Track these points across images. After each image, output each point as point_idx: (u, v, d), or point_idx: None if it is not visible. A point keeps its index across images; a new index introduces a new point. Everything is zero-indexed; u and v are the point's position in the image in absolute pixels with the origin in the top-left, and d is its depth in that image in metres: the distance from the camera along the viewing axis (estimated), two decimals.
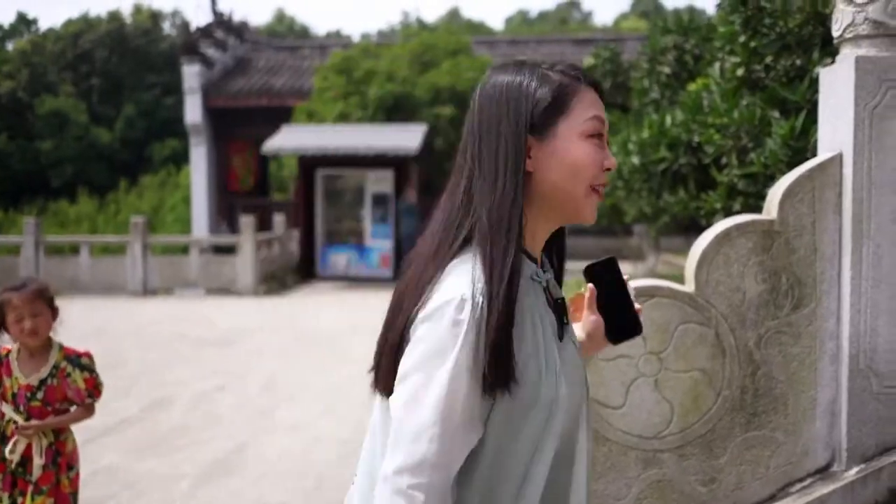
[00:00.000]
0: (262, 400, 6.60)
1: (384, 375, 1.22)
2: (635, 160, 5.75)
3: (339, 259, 15.68)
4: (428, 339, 1.13)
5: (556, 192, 1.21)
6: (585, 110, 1.20)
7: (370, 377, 1.27)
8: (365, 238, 15.63)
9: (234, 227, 17.73)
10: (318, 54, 21.52)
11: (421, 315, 1.15)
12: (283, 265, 15.52)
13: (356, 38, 31.01)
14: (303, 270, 15.71)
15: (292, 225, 16.49)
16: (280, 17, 43.40)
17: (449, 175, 1.25)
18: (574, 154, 1.19)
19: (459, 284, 1.14)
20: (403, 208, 15.01)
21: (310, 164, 15.71)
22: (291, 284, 14.97)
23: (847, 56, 2.57)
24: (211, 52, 19.81)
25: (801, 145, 3.54)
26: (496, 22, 67.11)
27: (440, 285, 1.15)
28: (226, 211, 19.83)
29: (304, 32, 39.86)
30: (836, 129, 2.65)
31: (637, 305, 1.39)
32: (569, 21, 44.19)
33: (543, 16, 45.81)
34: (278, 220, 16.07)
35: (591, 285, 1.37)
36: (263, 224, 15.71)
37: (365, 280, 15.02)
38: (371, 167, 15.34)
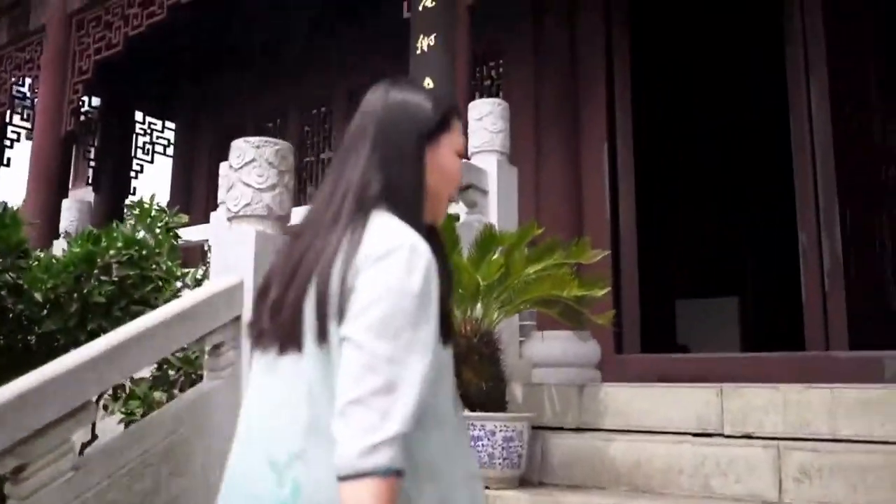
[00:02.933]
0: None
1: (292, 328, 1.24)
2: None
3: None
4: (385, 277, 1.18)
5: (433, 191, 1.38)
6: (459, 133, 1.45)
7: (269, 338, 1.29)
8: None
9: None
10: None
11: (365, 262, 1.20)
12: None
13: None
14: None
15: None
16: None
17: None
18: (451, 164, 1.42)
19: (399, 235, 1.23)
20: None
21: None
22: None
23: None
24: None
25: None
26: None
27: (371, 236, 1.23)
28: None
29: None
30: None
31: None
32: None
33: None
34: None
35: None
36: None
37: None
38: None
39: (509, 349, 3.87)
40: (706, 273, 8.55)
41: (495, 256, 3.16)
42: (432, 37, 5.14)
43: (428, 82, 5.10)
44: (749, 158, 8.30)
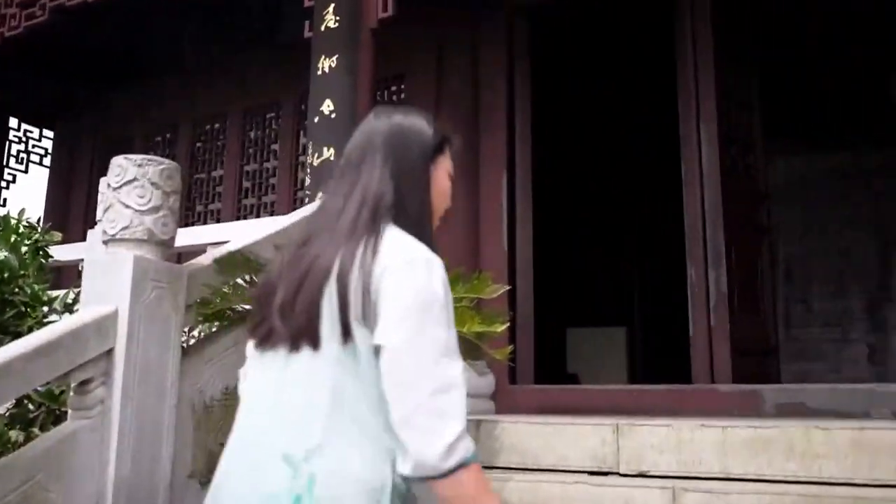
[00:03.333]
0: None
1: (308, 329, 1.29)
2: None
3: None
4: (413, 288, 1.26)
5: (432, 207, 1.49)
6: (450, 157, 1.55)
7: (279, 338, 1.32)
8: None
9: None
10: None
11: (386, 270, 1.27)
12: None
13: None
14: None
15: None
16: None
17: None
18: (444, 183, 1.52)
19: (414, 247, 1.32)
20: None
21: None
22: None
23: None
24: None
25: None
26: None
27: (388, 248, 1.30)
28: None
29: None
30: None
31: None
32: None
33: None
34: None
35: None
36: None
37: None
38: None
39: None
40: (596, 302, 8.69)
41: None
42: (334, 58, 4.97)
43: (328, 104, 4.92)
44: (643, 191, 8.52)
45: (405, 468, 1.24)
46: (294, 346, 1.31)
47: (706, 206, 5.30)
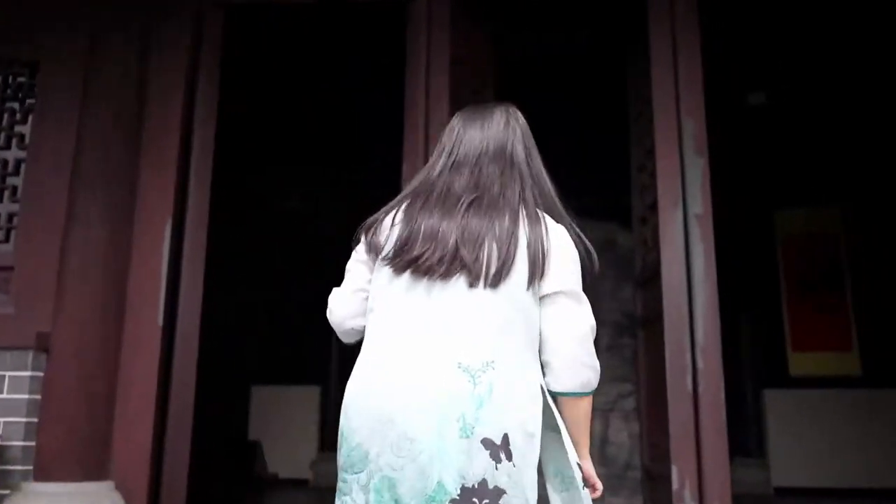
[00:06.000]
0: None
1: (502, 273, 1.54)
2: None
3: None
4: (574, 253, 1.64)
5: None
6: None
7: (485, 281, 1.54)
8: None
9: None
10: None
11: (554, 242, 1.60)
12: None
13: None
14: None
15: None
16: None
17: None
18: None
19: (562, 227, 1.67)
20: None
21: None
22: None
23: None
24: None
25: None
26: None
27: (553, 227, 1.63)
28: None
29: None
30: None
31: None
32: None
33: None
34: None
35: None
36: None
37: None
38: None
39: None
40: (287, 358, 7.26)
41: None
42: None
43: None
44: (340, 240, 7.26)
45: (560, 384, 1.56)
46: (474, 282, 1.52)
47: None
